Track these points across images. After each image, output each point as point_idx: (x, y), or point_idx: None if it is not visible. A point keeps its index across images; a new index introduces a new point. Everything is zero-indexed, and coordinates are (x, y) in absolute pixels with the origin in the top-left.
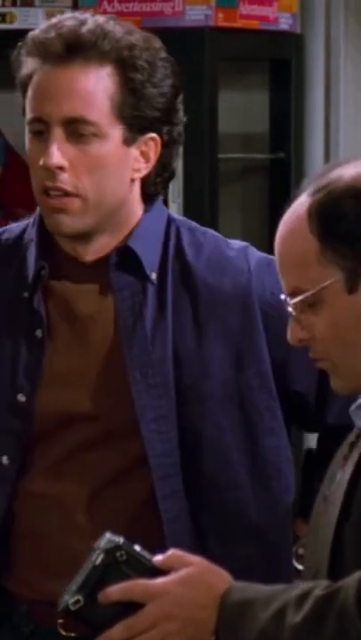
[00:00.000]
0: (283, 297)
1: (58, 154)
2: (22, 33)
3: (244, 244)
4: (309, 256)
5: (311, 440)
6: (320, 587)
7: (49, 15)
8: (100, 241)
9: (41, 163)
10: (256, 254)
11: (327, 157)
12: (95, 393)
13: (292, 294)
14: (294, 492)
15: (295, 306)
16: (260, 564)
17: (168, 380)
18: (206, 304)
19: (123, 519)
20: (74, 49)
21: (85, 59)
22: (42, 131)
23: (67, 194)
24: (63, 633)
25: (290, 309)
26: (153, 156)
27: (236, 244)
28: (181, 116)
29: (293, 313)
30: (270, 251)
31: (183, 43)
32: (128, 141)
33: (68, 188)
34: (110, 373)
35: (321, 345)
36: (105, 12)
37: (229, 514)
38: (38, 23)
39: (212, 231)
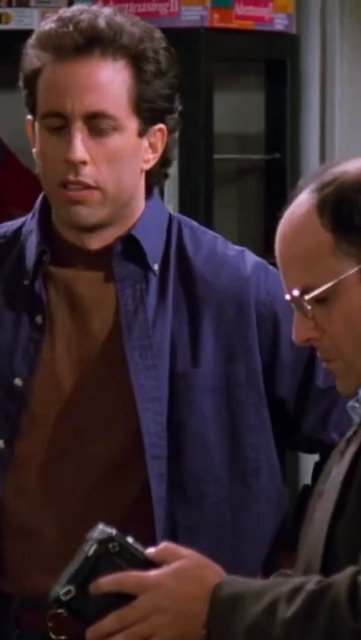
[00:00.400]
0: (287, 297)
1: (82, 148)
2: (18, 33)
3: (242, 248)
4: (323, 250)
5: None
6: (312, 582)
7: (45, 15)
8: (108, 231)
9: (65, 157)
10: (254, 257)
11: (323, 158)
12: (93, 378)
13: (304, 291)
14: (281, 510)
15: (308, 302)
16: (224, 564)
17: (165, 365)
18: (203, 298)
19: (116, 516)
20: (93, 42)
21: (103, 52)
22: (61, 126)
23: (87, 186)
24: (53, 637)
25: (298, 308)
26: (160, 147)
27: (235, 247)
28: (178, 103)
29: (303, 310)
30: (266, 250)
31: (179, 43)
32: (141, 133)
33: (90, 181)
34: (109, 357)
35: (332, 342)
36: None
37: (203, 507)
38: (34, 24)
39: (211, 232)
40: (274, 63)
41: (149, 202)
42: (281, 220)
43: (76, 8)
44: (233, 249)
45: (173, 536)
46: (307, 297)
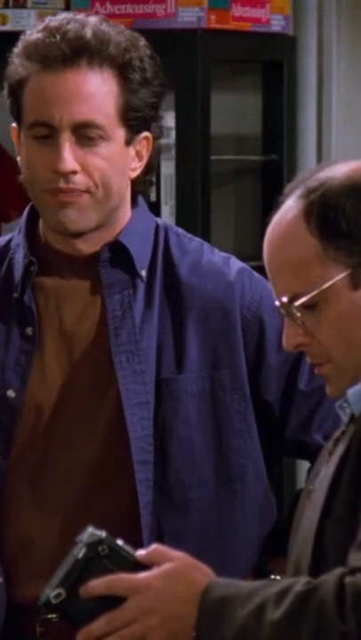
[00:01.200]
0: (276, 304)
1: (70, 158)
2: (14, 35)
3: (228, 254)
4: (310, 257)
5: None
6: (300, 583)
7: (41, 17)
8: (95, 236)
9: (54, 168)
10: (239, 264)
11: (320, 159)
12: (82, 384)
13: (293, 298)
14: (268, 515)
15: (297, 309)
16: (211, 569)
17: (152, 370)
18: (188, 304)
19: (104, 522)
20: (80, 53)
21: (89, 62)
22: (48, 135)
23: (79, 193)
24: None
25: (288, 315)
26: (145, 155)
27: (221, 253)
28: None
29: (293, 317)
30: (262, 252)
31: (175, 44)
32: (128, 142)
33: (81, 188)
34: (97, 363)
35: (322, 347)
36: (97, 14)
37: (189, 512)
38: (30, 25)
39: (198, 238)
40: (271, 64)
41: (136, 209)
42: (269, 226)
43: (62, 17)
44: (219, 255)
45: (160, 541)
46: (296, 304)
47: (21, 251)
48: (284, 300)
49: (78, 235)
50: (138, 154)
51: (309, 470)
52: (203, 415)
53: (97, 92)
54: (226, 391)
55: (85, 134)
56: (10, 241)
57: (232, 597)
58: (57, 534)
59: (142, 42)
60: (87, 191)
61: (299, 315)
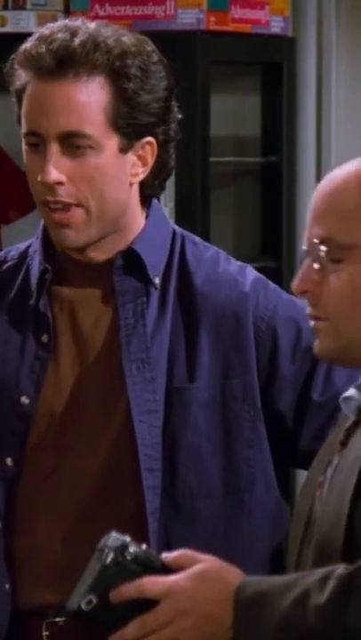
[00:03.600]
0: (304, 247)
1: (55, 170)
2: (14, 36)
3: (244, 264)
4: (359, 212)
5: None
6: (341, 567)
7: (40, 18)
8: (107, 243)
9: (39, 179)
10: (254, 273)
11: (319, 160)
12: (93, 392)
13: (324, 241)
14: (278, 523)
15: (324, 253)
16: None
17: (162, 378)
18: (202, 313)
19: (112, 529)
20: (65, 63)
21: (77, 72)
22: (38, 143)
23: (68, 205)
24: None
25: (310, 255)
26: (150, 159)
27: (237, 262)
28: (176, 113)
29: (315, 258)
30: (262, 253)
31: (175, 46)
32: (124, 149)
33: (70, 200)
34: (109, 371)
35: (328, 303)
36: (97, 16)
37: (197, 521)
38: (30, 27)
39: (214, 247)
40: (270, 66)
41: (152, 216)
42: (326, 175)
43: (58, 24)
44: (234, 264)
45: (167, 549)
46: (324, 247)
47: (37, 257)
48: (316, 240)
49: (82, 248)
50: (141, 159)
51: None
52: (213, 424)
53: (85, 101)
54: (237, 401)
55: (73, 144)
56: (28, 247)
57: (268, 592)
58: (64, 540)
59: (148, 46)
60: (79, 205)
61: (323, 257)
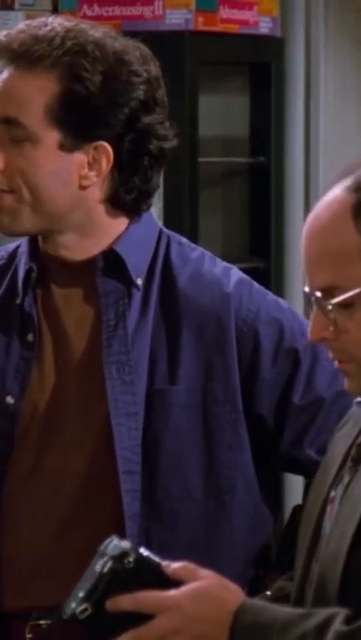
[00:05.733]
0: (306, 290)
1: None
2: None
3: (229, 265)
4: (352, 254)
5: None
6: (339, 618)
7: (29, 18)
8: (69, 241)
9: None
10: (239, 274)
11: (307, 161)
12: (74, 393)
13: (327, 291)
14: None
15: (332, 306)
16: None
17: (142, 381)
18: (184, 314)
19: (92, 532)
20: (19, 55)
21: (29, 64)
22: None
23: (1, 191)
24: None
25: (319, 308)
26: (105, 165)
27: (223, 263)
28: (162, 131)
29: (324, 311)
30: (251, 253)
31: (163, 47)
32: (68, 148)
33: (3, 187)
34: (89, 373)
35: (348, 347)
36: (85, 16)
37: (177, 524)
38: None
39: (201, 248)
40: (259, 66)
41: (137, 221)
42: (311, 214)
43: (38, 20)
44: (219, 265)
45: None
46: (332, 300)
47: (24, 258)
48: (318, 293)
49: (19, 235)
50: (94, 163)
51: (306, 487)
52: (193, 427)
53: (27, 93)
54: (218, 403)
55: (10, 131)
56: (18, 248)
57: (268, 625)
58: (47, 542)
59: (128, 55)
60: (10, 191)
61: (331, 309)
